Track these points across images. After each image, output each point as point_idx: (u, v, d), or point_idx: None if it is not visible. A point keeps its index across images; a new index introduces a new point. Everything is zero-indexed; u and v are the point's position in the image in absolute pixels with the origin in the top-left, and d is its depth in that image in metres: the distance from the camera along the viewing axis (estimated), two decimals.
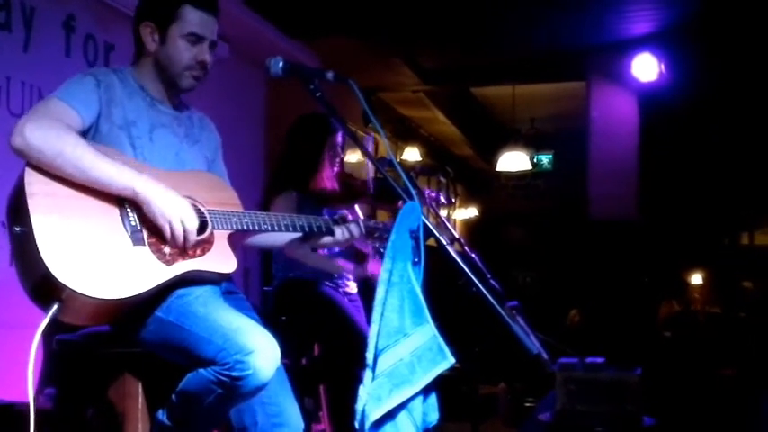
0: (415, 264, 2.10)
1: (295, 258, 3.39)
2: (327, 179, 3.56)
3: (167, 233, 1.97)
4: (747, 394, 4.50)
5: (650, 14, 5.49)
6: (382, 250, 2.61)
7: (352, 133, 2.33)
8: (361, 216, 3.85)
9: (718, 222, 10.31)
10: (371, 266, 3.47)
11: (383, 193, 3.58)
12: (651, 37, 5.78)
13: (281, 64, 2.29)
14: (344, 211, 3.73)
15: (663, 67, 5.77)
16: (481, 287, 2.05)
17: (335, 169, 3.60)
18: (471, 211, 11.02)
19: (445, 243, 2.12)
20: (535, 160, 9.91)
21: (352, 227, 2.46)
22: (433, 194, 3.86)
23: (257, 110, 5.85)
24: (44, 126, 1.91)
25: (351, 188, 3.72)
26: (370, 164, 6.87)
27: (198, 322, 1.97)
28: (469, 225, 11.03)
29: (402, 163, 2.44)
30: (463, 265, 2.09)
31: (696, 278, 10.69)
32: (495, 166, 9.17)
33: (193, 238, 2.00)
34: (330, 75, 2.26)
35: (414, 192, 2.14)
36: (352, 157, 7.38)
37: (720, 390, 5.03)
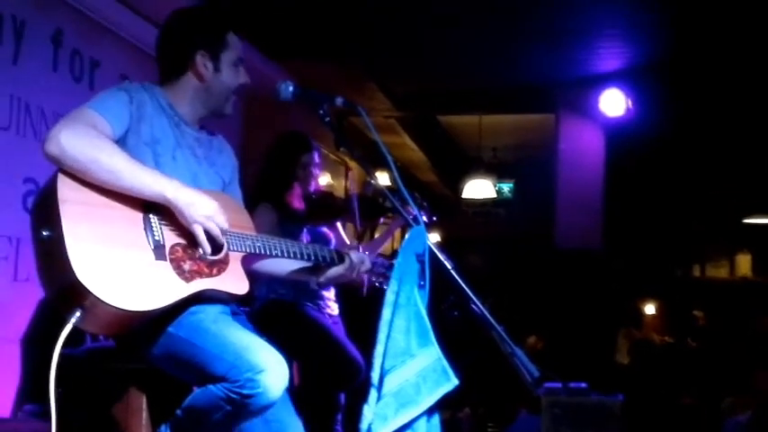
0: (420, 287, 2.16)
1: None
2: (296, 197, 3.61)
3: (200, 237, 2.01)
4: (709, 423, 4.65)
5: (620, 51, 5.68)
6: (378, 285, 2.66)
7: (362, 159, 2.40)
8: (343, 233, 3.91)
9: (673, 255, 10.64)
10: None
11: (365, 211, 3.64)
12: (620, 73, 5.98)
13: (291, 88, 2.35)
14: (325, 230, 3.79)
15: (630, 102, 5.96)
16: (485, 311, 2.12)
17: (309, 188, 3.65)
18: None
19: (450, 267, 2.18)
20: (496, 188, 10.08)
21: (366, 261, 2.47)
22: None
23: (234, 127, 5.86)
24: (80, 133, 1.93)
25: (333, 206, 3.76)
26: (351, 183, 6.89)
27: (209, 339, 1.99)
28: None
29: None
30: (467, 289, 2.16)
31: (650, 308, 10.96)
32: (458, 193, 9.29)
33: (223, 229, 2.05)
34: (340, 100, 2.33)
35: (421, 217, 2.22)
36: (322, 179, 7.45)
37: (685, 417, 5.19)
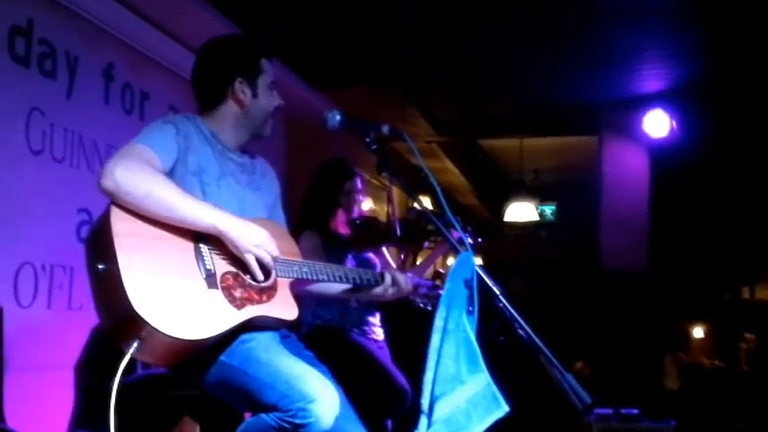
0: (469, 312, 2.17)
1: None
2: (341, 223, 3.64)
3: (253, 266, 2.06)
4: None
5: (663, 72, 5.65)
6: (421, 306, 2.68)
7: (405, 184, 2.42)
8: (389, 258, 3.93)
9: (721, 276, 10.41)
10: None
11: (409, 235, 3.66)
12: (663, 94, 5.95)
13: (338, 117, 2.39)
14: (371, 255, 3.82)
15: (674, 123, 5.92)
16: (534, 337, 2.12)
17: (352, 214, 3.69)
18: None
19: (498, 293, 2.19)
20: (539, 211, 10.02)
21: (408, 282, 2.51)
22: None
23: (278, 154, 5.95)
24: (133, 168, 1.99)
25: (377, 231, 3.79)
26: (393, 208, 6.95)
27: (261, 368, 2.02)
28: None
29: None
30: (515, 314, 2.16)
31: (698, 331, 10.72)
32: (500, 216, 9.26)
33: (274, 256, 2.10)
34: (386, 128, 2.36)
35: (467, 241, 2.23)
36: (365, 204, 7.50)
37: None
